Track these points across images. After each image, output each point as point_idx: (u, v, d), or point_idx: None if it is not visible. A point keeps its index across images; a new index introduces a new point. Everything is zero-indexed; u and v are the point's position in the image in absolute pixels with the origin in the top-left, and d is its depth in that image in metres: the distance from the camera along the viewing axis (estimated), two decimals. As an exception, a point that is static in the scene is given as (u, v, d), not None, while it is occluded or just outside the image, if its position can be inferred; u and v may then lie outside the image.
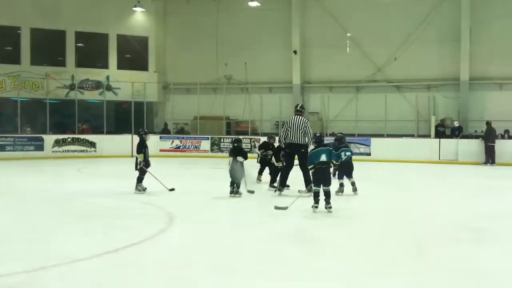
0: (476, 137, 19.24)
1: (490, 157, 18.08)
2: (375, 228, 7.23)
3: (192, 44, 24.45)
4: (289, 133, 10.05)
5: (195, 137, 22.41)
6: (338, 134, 12.29)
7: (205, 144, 22.03)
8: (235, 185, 9.72)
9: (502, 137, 19.17)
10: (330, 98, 22.31)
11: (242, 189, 9.77)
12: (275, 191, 10.32)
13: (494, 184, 12.04)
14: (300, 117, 10.18)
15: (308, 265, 5.22)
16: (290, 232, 6.86)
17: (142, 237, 6.26)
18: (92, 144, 21.20)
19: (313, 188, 8.37)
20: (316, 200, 8.20)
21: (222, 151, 20.79)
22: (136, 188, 10.18)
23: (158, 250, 5.85)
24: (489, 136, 18.38)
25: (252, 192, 9.91)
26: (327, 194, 8.17)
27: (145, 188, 10.21)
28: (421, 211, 8.69)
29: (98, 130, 22.06)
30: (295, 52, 22.95)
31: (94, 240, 6.26)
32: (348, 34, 22.17)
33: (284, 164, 10.39)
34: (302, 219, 7.77)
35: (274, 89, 23.52)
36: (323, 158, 8.19)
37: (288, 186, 10.28)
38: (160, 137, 21.76)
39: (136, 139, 10.67)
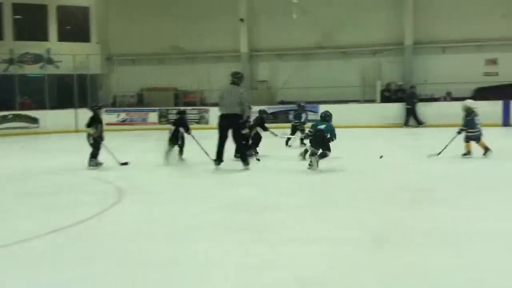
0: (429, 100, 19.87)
1: (408, 119, 18.89)
2: (333, 192, 7.35)
3: (135, 13, 23.80)
4: (223, 104, 9.47)
5: (142, 110, 22.02)
6: (302, 104, 12.85)
7: (153, 116, 21.69)
8: (178, 152, 10.30)
9: (445, 99, 19.76)
10: (279, 66, 22.34)
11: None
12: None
13: (437, 145, 12.31)
14: (235, 86, 9.52)
15: (257, 231, 5.24)
16: (241, 201, 6.84)
17: (92, 212, 6.11)
18: (35, 120, 20.49)
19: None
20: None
21: (170, 123, 20.48)
22: (90, 164, 9.84)
23: (109, 224, 5.72)
24: (407, 99, 19.20)
25: (217, 162, 9.48)
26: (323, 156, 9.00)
27: (102, 163, 9.88)
28: (369, 174, 8.88)
29: (40, 106, 21.32)
30: (241, 20, 22.73)
31: (43, 219, 6.05)
32: (295, 1, 22.05)
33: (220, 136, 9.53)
34: (252, 188, 7.78)
35: (222, 59, 23.27)
36: (321, 127, 9.16)
37: (222, 160, 9.51)
38: (106, 111, 21.18)
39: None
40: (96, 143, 9.88)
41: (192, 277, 4.01)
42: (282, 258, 4.38)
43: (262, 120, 11.56)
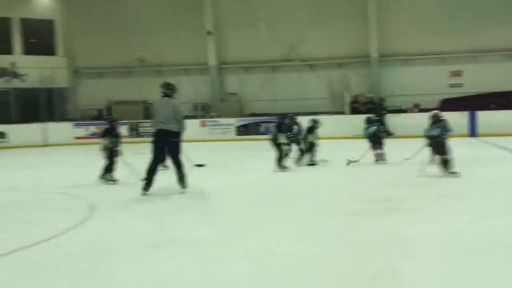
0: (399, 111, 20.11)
1: None
2: (279, 204, 7.38)
3: (102, 26, 23.61)
4: (157, 119, 8.36)
5: (111, 123, 21.68)
6: (292, 116, 12.68)
7: (123, 130, 21.39)
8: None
9: (411, 110, 20.11)
10: (247, 79, 22.44)
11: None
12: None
13: (399, 155, 12.53)
14: (168, 98, 8.44)
15: (216, 246, 5.20)
16: (212, 216, 6.78)
17: (59, 230, 5.92)
18: (1, 135, 20.04)
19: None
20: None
21: (141, 136, 20.31)
22: (102, 177, 9.53)
23: (77, 241, 5.54)
24: (376, 111, 19.17)
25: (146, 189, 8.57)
26: (445, 163, 9.08)
27: (116, 180, 9.52)
28: (326, 184, 9.16)
29: (6, 120, 20.87)
30: (208, 32, 22.79)
31: (9, 236, 5.89)
32: (260, 14, 22.26)
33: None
34: (217, 200, 7.74)
35: (190, 71, 23.27)
36: (434, 132, 9.26)
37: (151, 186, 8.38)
38: (75, 124, 20.90)
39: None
40: (111, 156, 9.57)
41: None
42: (240, 272, 4.38)
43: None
